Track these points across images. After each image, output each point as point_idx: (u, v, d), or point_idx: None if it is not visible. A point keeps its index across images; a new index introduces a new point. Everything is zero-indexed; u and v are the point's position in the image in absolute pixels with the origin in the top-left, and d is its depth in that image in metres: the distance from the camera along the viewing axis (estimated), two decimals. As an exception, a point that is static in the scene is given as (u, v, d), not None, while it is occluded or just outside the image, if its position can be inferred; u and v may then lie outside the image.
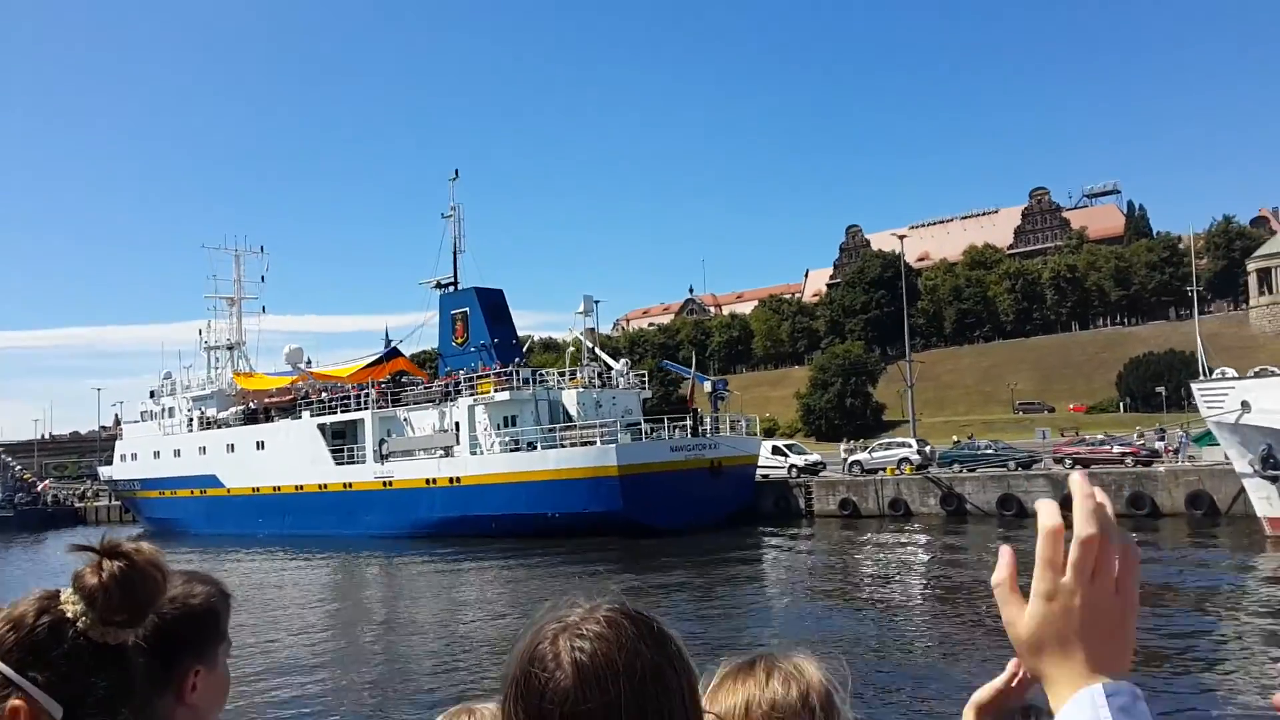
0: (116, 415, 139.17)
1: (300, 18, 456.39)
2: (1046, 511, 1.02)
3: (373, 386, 49.53)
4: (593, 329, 50.06)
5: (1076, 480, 1.01)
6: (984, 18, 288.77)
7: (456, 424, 45.72)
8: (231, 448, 55.48)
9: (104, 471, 69.29)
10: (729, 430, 43.53)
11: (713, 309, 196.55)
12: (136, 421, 66.07)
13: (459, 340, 50.16)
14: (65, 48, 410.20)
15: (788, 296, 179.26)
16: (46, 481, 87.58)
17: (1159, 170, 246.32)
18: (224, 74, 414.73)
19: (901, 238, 70.37)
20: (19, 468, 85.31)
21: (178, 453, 59.44)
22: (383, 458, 46.88)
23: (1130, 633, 1.02)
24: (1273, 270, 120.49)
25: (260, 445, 53.69)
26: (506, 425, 44.11)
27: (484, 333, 48.94)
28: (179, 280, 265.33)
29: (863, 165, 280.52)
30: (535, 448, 41.47)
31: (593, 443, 39.62)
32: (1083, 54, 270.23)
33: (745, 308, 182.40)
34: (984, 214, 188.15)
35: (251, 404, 57.29)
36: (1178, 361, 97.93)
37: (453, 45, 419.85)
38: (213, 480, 56.01)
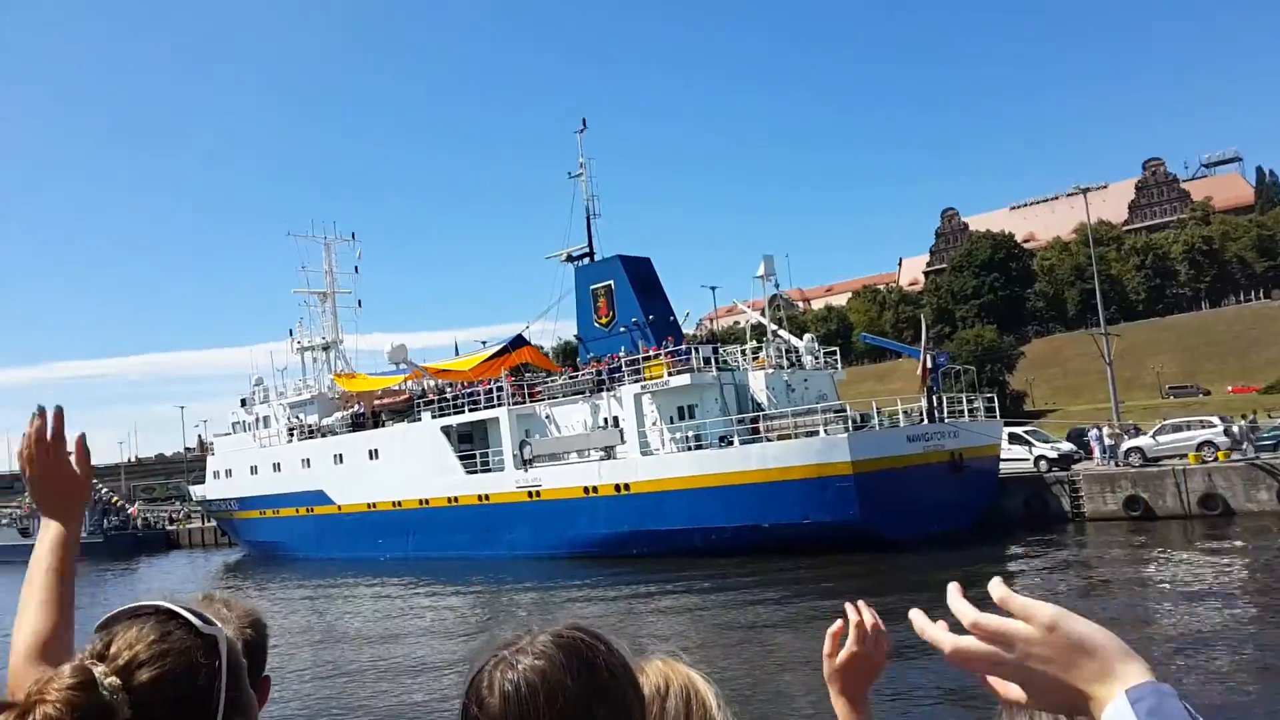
0: (200, 436, 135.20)
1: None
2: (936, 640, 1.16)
3: (506, 379, 41.62)
4: (774, 297, 41.46)
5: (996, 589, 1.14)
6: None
7: (615, 418, 37.52)
8: (340, 458, 48.04)
9: (196, 491, 62.47)
10: (968, 416, 34.64)
11: (801, 304, 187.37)
12: (227, 434, 59.12)
13: (603, 320, 41.94)
14: (131, 76, 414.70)
15: (882, 287, 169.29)
16: (136, 505, 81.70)
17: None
18: (296, 97, 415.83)
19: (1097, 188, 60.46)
20: (106, 491, 79.45)
21: (277, 466, 52.25)
22: (525, 463, 38.87)
23: (1087, 640, 1.08)
24: None
25: (373, 454, 46.15)
26: (682, 417, 35.79)
27: (635, 308, 40.61)
28: (262, 306, 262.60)
29: (954, 146, 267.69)
30: (731, 443, 32.99)
31: (815, 432, 31.00)
32: (1192, 15, 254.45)
33: (837, 300, 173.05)
34: (1093, 189, 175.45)
35: (358, 407, 49.84)
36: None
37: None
38: (320, 497, 48.63)
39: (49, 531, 1.82)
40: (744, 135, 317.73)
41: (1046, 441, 37.84)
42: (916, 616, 1.20)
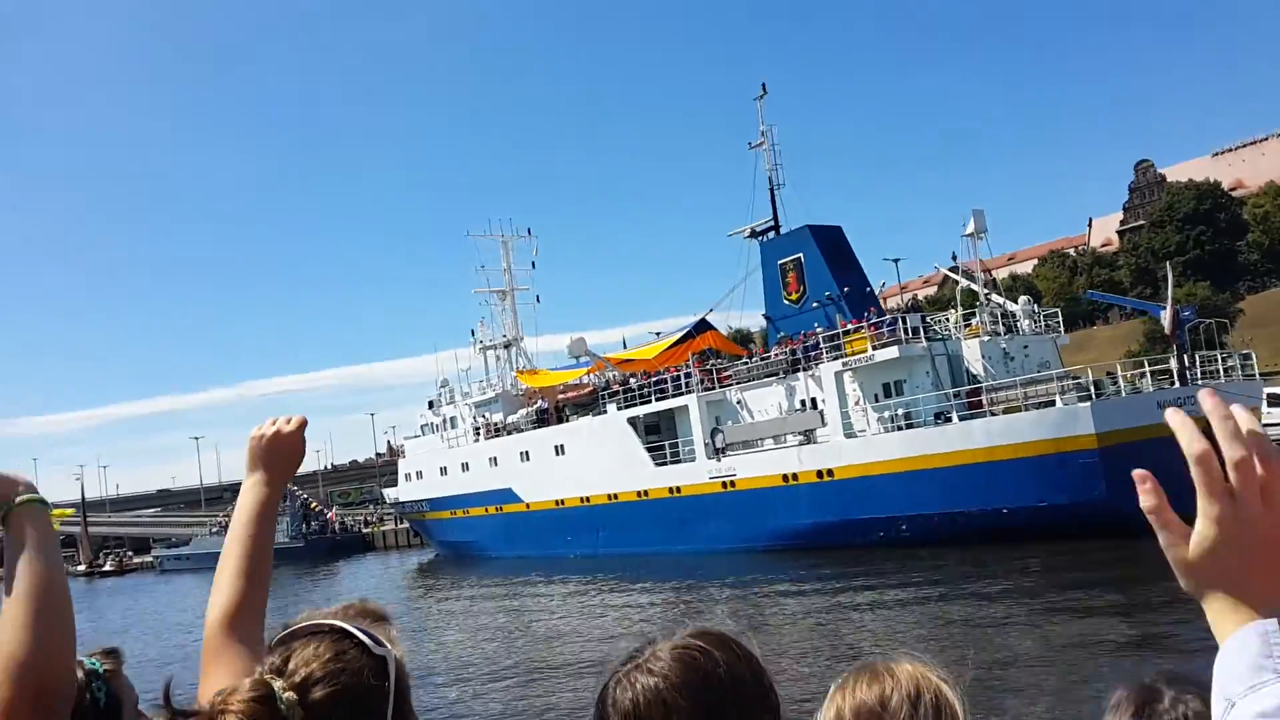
0: (389, 442, 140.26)
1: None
2: (1187, 436, 1.00)
3: (694, 365, 39.67)
4: (954, 267, 37.89)
5: (1205, 399, 1.01)
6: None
7: (813, 399, 34.92)
8: (526, 455, 47.33)
9: (389, 494, 63.67)
10: (1223, 375, 30.24)
11: (983, 275, 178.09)
12: (417, 436, 59.79)
13: (793, 296, 39.34)
14: (308, 101, 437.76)
15: (1071, 250, 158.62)
16: (334, 510, 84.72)
17: None
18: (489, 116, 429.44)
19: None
20: (305, 496, 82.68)
21: (465, 466, 52.19)
22: (717, 452, 36.79)
23: None
24: None
25: (559, 450, 45.15)
26: (888, 394, 32.84)
27: (828, 281, 37.82)
28: (443, 312, 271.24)
29: (1143, 91, 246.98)
30: (949, 419, 29.83)
31: (1049, 403, 27.50)
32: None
33: (1021, 269, 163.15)
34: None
35: (541, 403, 49.08)
36: None
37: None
38: (508, 495, 48.11)
39: (254, 496, 1.89)
40: (913, 103, 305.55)
41: (1316, 402, 32.89)
42: (1208, 398, 1.00)
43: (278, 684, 1.34)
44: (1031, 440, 27.33)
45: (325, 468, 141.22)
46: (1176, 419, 1.03)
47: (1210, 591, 0.99)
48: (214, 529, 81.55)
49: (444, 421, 56.18)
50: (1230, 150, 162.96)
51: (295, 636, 1.45)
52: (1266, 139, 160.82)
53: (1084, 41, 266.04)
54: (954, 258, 40.44)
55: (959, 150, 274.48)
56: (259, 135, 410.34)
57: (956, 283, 39.06)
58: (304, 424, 1.98)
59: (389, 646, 1.46)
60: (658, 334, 52.48)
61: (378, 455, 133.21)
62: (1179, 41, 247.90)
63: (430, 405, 58.22)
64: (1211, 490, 0.97)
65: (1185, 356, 29.07)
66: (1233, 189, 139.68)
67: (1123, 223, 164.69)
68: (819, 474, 33.09)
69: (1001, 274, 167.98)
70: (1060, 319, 37.40)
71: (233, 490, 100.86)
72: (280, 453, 1.92)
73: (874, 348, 32.24)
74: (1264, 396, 32.42)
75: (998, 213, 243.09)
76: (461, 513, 52.27)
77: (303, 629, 1.47)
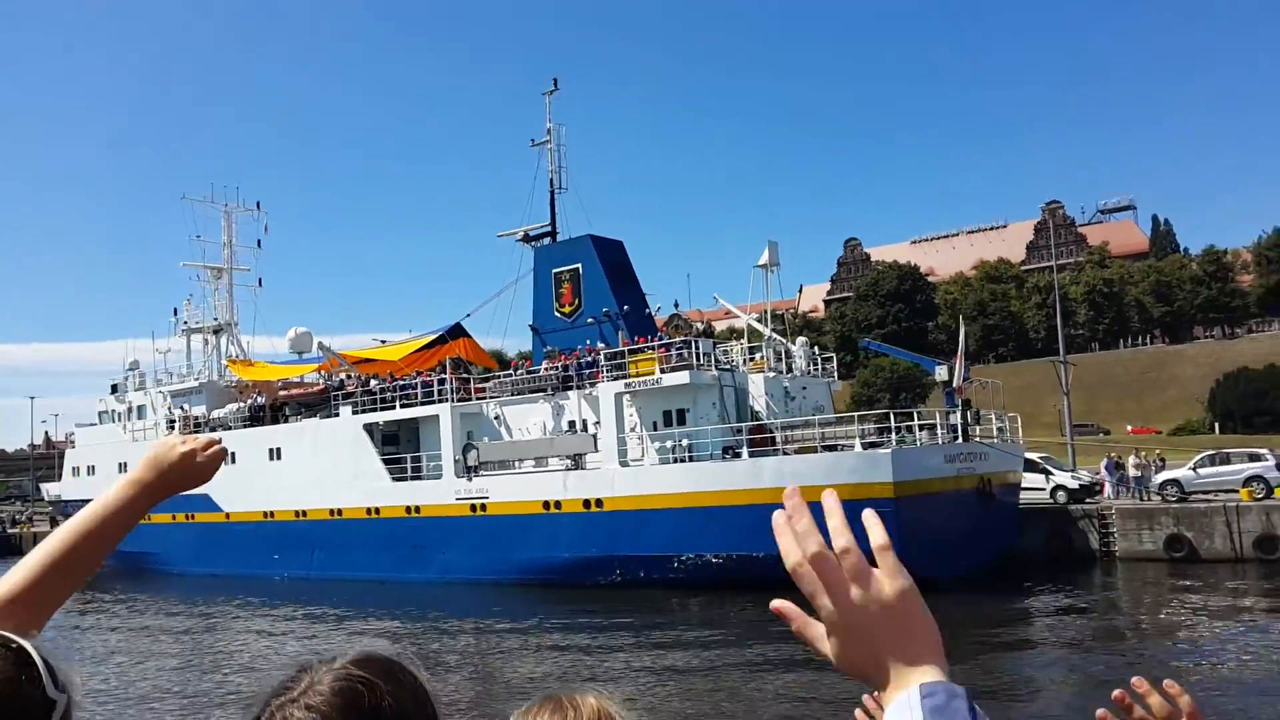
0: (47, 433, 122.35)
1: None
2: (787, 543, 1.05)
3: (448, 371, 35.49)
4: (674, 316, 36.65)
5: (790, 498, 1.07)
6: (987, 29, 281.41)
7: (583, 421, 31.85)
8: (231, 457, 40.70)
9: (49, 489, 53.51)
10: (995, 434, 30.29)
11: (700, 325, 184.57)
12: (93, 425, 50.71)
13: (566, 309, 36.21)
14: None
15: (783, 313, 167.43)
16: (-30, 503, 71.21)
17: (1176, 186, 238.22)
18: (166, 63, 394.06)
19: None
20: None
21: (153, 464, 44.36)
22: (469, 470, 32.80)
23: (918, 625, 1.03)
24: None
25: (275, 454, 39.16)
26: (668, 423, 30.37)
27: (607, 297, 35.02)
28: (132, 300, 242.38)
29: (857, 177, 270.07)
30: (738, 454, 27.68)
31: (843, 445, 25.97)
32: (1093, 69, 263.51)
33: (737, 324, 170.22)
34: (993, 228, 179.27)
35: (257, 398, 42.66)
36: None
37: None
38: (204, 502, 41.14)
39: (119, 494, 1.74)
40: (639, 151, 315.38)
41: (1064, 470, 33.99)
42: (792, 496, 1.07)
43: None
44: (826, 484, 25.59)
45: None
46: (779, 521, 1.05)
47: (871, 677, 1.03)
48: None
49: (130, 410, 47.97)
50: (927, 240, 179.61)
51: None
52: (958, 234, 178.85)
53: (809, 122, 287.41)
54: (676, 305, 39.19)
55: (691, 207, 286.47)
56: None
57: (679, 326, 37.88)
58: (220, 456, 1.84)
59: (64, 692, 1.22)
60: (382, 341, 47.48)
61: (33, 446, 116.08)
62: (894, 137, 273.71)
63: (114, 390, 49.61)
64: (818, 588, 1.01)
65: (969, 413, 28.81)
66: (927, 274, 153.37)
67: (830, 293, 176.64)
68: (586, 503, 29.97)
69: (721, 326, 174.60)
70: (835, 363, 36.86)
71: None
72: (181, 471, 1.78)
73: (662, 370, 29.63)
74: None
75: (722, 271, 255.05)
76: (144, 518, 44.34)
77: None
